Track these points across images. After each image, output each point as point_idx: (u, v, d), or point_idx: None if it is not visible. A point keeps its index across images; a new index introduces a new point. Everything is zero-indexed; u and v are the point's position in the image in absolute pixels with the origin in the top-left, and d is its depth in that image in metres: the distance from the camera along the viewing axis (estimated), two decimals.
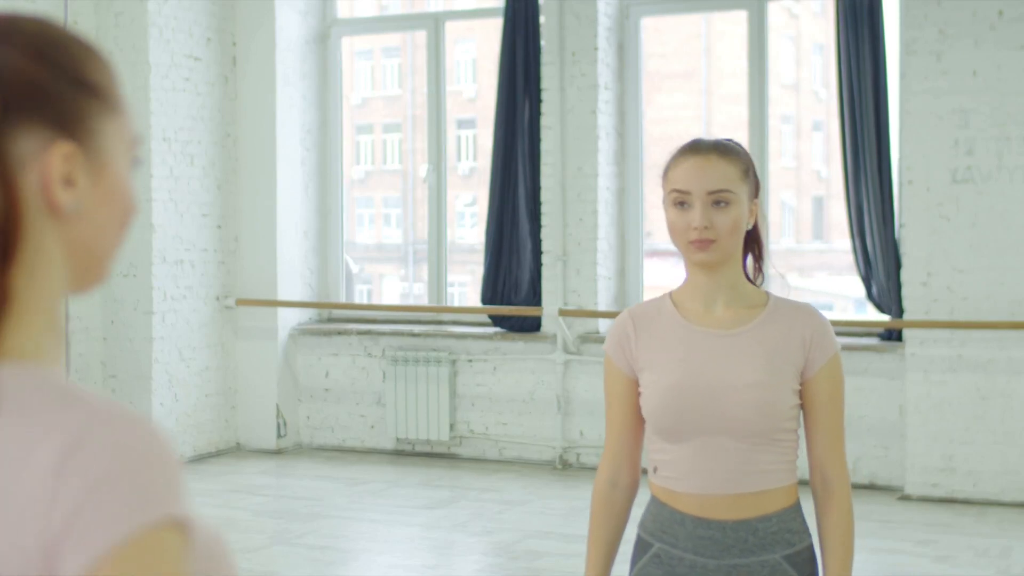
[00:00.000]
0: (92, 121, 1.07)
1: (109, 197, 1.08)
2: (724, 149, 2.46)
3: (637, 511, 2.51)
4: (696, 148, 2.46)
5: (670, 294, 2.53)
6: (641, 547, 2.50)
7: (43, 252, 1.04)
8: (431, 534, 6.24)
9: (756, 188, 2.49)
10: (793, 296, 2.84)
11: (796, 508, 2.46)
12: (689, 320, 2.47)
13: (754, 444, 2.40)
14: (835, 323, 7.63)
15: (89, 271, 1.09)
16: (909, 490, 6.91)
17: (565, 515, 6.50)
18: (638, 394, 2.49)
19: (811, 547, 2.47)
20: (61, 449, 0.94)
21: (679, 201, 2.44)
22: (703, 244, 2.41)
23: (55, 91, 1.05)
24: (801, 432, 2.48)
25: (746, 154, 2.50)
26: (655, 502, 2.49)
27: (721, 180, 2.42)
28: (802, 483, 2.43)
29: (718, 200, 2.41)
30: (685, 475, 2.43)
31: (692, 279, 2.49)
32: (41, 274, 1.04)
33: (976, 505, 6.73)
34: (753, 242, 2.54)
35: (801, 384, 2.44)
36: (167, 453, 0.97)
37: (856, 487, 7.07)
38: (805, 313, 2.47)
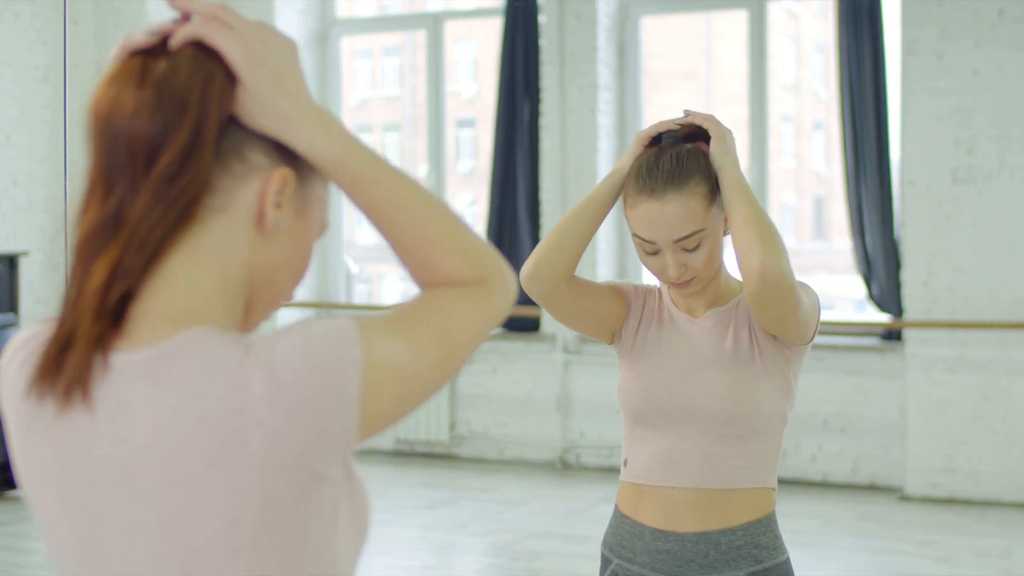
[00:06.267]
0: (309, 169, 1.21)
1: (301, 237, 1.22)
2: (680, 181, 2.22)
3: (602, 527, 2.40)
4: (651, 191, 2.23)
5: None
6: (603, 564, 2.38)
7: (236, 249, 1.17)
8: (431, 534, 6.22)
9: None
10: None
11: (766, 521, 2.29)
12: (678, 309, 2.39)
13: (724, 436, 2.27)
14: (835, 323, 7.69)
15: (264, 301, 1.21)
16: (910, 490, 6.89)
17: (565, 515, 6.50)
18: (611, 299, 2.39)
19: (783, 565, 2.29)
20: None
21: (647, 250, 2.28)
22: (682, 285, 2.30)
23: None
24: (780, 433, 2.35)
25: (704, 164, 2.24)
26: (616, 515, 2.37)
27: (685, 224, 2.22)
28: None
29: (687, 246, 2.24)
30: (652, 466, 2.31)
31: (672, 291, 2.41)
32: (233, 262, 1.17)
33: (977, 505, 6.72)
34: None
35: None
36: None
37: (856, 487, 7.06)
38: None
